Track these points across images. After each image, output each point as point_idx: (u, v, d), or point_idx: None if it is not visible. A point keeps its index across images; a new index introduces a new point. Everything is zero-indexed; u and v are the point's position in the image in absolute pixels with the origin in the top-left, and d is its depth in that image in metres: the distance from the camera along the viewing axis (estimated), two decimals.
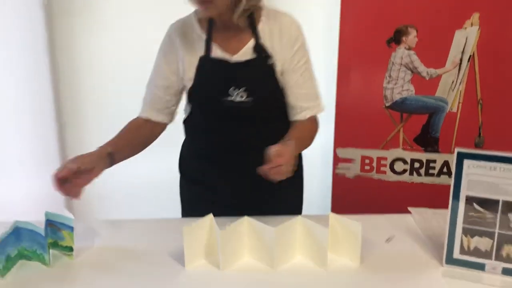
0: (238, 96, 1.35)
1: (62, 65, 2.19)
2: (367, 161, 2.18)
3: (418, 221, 1.40)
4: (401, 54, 2.01)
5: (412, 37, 2.00)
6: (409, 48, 2.01)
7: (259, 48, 1.36)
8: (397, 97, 2.08)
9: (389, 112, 2.10)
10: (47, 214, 1.18)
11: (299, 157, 1.59)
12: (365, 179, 2.20)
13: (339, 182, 2.23)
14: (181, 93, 1.48)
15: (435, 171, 2.15)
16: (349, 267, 1.18)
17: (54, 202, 1.45)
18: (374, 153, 2.17)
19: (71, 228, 1.17)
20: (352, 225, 1.16)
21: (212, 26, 1.38)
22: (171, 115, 1.49)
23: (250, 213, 1.20)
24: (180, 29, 1.42)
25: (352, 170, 2.20)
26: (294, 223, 1.18)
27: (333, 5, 2.06)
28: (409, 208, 1.46)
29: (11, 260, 1.16)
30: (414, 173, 2.16)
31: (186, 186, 1.60)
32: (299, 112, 1.42)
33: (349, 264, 1.18)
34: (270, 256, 1.16)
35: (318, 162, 2.39)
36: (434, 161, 2.14)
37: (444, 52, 2.01)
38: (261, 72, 1.37)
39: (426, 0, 1.96)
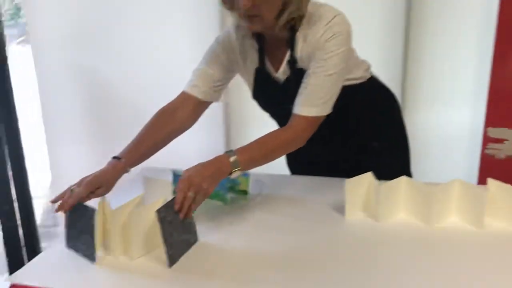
0: (292, 105, 1.34)
1: None
2: None
3: None
4: None
5: None
6: None
7: (292, 63, 1.34)
8: None
9: None
10: None
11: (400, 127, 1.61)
12: None
13: (487, 162, 2.18)
14: (230, 74, 1.48)
15: None
16: (506, 230, 1.20)
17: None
18: None
19: (247, 175, 1.37)
20: None
21: (261, 36, 1.38)
22: (217, 93, 1.47)
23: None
24: (240, 31, 1.41)
25: (504, 151, 2.13)
26: (452, 184, 1.24)
27: None
28: None
29: None
30: None
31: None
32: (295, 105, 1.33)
33: (506, 228, 1.21)
34: (425, 214, 1.24)
35: (464, 141, 2.36)
36: None
37: None
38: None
39: None
